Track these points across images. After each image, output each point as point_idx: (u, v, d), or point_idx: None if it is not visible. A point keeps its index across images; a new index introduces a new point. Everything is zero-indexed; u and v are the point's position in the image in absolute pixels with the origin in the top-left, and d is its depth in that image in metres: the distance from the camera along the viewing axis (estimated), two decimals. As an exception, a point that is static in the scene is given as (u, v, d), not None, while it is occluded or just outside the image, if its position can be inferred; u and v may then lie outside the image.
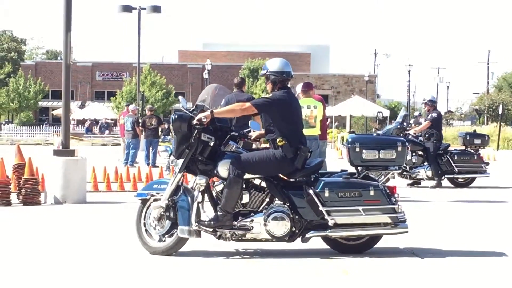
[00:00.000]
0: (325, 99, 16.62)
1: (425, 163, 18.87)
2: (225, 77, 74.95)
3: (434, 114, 19.21)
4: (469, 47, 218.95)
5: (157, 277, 7.71)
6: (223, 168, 8.69)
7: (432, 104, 19.63)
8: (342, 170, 9.30)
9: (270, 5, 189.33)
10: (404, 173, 18.81)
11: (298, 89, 15.51)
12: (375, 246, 9.22)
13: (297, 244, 8.89)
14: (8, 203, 13.97)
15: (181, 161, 8.78)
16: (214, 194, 8.86)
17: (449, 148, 19.36)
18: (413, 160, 18.81)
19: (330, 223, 8.66)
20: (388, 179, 18.01)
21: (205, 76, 69.35)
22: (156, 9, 44.64)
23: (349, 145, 9.12)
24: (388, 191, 8.93)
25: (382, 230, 8.93)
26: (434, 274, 7.98)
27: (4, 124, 71.49)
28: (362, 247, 9.09)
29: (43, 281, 7.52)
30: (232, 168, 8.58)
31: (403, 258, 8.88)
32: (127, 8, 44.59)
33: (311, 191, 8.69)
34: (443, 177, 18.91)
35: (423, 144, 19.04)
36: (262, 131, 9.23)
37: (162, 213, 8.75)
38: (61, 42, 15.24)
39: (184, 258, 8.69)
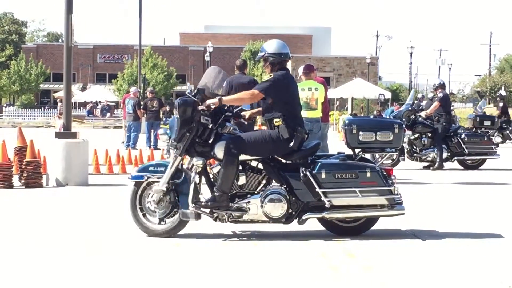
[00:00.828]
0: (326, 82, 16.60)
1: (435, 145, 18.94)
2: (226, 60, 74.90)
3: (441, 94, 19.23)
4: (471, 29, 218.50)
5: (160, 259, 7.73)
6: (220, 150, 8.67)
7: (441, 86, 19.66)
8: (339, 153, 9.31)
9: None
10: (414, 155, 18.93)
11: (300, 71, 15.50)
12: (376, 228, 9.23)
13: (297, 227, 8.92)
14: (10, 186, 14.00)
15: (181, 144, 8.75)
16: (211, 176, 8.86)
17: (459, 130, 19.38)
18: (423, 142, 18.90)
19: (327, 204, 8.69)
20: (393, 162, 18.21)
21: (207, 58, 69.22)
22: (157, -9, 44.49)
23: (346, 127, 9.15)
24: (384, 173, 8.93)
25: (379, 212, 8.97)
26: (435, 255, 8.00)
27: (5, 107, 71.49)
28: (359, 229, 9.13)
29: (42, 264, 7.54)
30: (228, 148, 8.58)
31: (405, 240, 8.90)
32: (128, -10, 44.41)
33: (307, 173, 8.71)
34: (453, 159, 18.99)
35: (433, 126, 19.07)
36: (254, 110, 9.22)
37: (162, 196, 8.72)
38: (63, 24, 15.20)
39: (183, 239, 8.71)
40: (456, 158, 19.10)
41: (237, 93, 8.97)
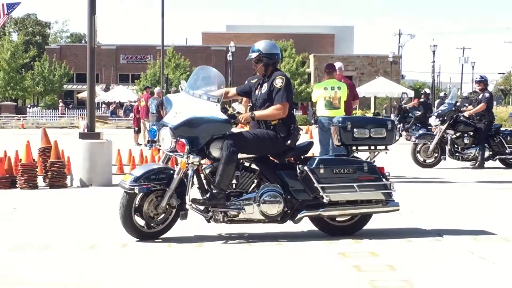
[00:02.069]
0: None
1: (476, 144, 18.91)
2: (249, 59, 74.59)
3: (487, 94, 19.23)
4: (494, 27, 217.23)
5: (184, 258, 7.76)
6: (215, 148, 8.62)
7: (485, 83, 19.64)
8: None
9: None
10: (456, 154, 18.89)
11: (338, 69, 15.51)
12: (401, 227, 9.21)
13: (304, 227, 8.91)
14: (35, 186, 14.09)
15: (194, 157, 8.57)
16: (203, 177, 8.75)
17: (501, 129, 19.35)
18: (465, 141, 18.91)
19: (325, 200, 8.71)
20: (435, 161, 18.30)
21: (229, 58, 69.27)
22: (180, -9, 44.62)
23: (340, 125, 9.15)
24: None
25: (374, 209, 9.04)
26: (458, 253, 7.97)
27: (29, 108, 71.87)
28: (352, 228, 9.13)
29: (63, 262, 7.59)
30: (227, 146, 8.53)
31: (429, 238, 8.89)
32: (151, -9, 44.58)
33: (306, 168, 8.73)
34: (495, 158, 18.94)
35: (475, 125, 19.05)
36: (248, 114, 9.00)
37: (167, 205, 8.60)
38: (86, 25, 15.28)
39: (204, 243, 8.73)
40: (498, 157, 19.10)
41: (267, 109, 8.87)
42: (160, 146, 8.94)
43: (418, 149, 19.12)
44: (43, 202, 12.27)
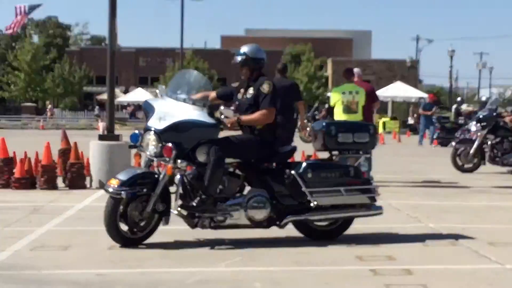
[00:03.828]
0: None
1: None
2: (267, 63, 74.55)
3: None
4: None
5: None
6: (201, 153, 8.54)
7: None
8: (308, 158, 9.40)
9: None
10: (496, 159, 18.87)
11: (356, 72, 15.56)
12: (418, 233, 9.20)
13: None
14: (55, 187, 14.16)
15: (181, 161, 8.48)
16: (186, 182, 8.57)
17: None
18: (505, 146, 18.87)
19: (313, 204, 8.70)
20: (474, 165, 18.35)
21: (247, 61, 69.18)
22: (199, -5, 44.79)
23: (325, 129, 9.17)
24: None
25: (358, 213, 9.06)
26: (474, 259, 7.96)
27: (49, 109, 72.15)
28: (335, 232, 9.12)
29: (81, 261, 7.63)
30: (214, 151, 8.44)
31: (445, 241, 8.87)
32: (171, -6, 44.79)
33: (293, 172, 8.72)
34: None
35: None
36: (235, 118, 8.82)
37: (151, 210, 8.42)
38: (106, 28, 15.33)
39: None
40: None
41: (253, 114, 8.80)
42: (142, 151, 8.76)
43: (458, 153, 19.17)
44: (63, 203, 12.32)
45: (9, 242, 8.64)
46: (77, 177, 14.35)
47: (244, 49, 9.18)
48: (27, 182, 14.14)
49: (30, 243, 8.67)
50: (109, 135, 14.98)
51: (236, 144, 8.71)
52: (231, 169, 8.78)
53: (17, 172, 14.22)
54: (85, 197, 13.01)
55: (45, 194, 13.35)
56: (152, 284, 6.79)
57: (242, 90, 9.16)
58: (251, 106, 8.89)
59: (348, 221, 9.13)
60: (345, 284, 6.83)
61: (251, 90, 9.00)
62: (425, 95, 58.64)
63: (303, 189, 8.69)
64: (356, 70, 15.94)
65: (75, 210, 11.56)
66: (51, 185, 14.13)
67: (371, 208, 9.08)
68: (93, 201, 12.50)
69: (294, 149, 9.23)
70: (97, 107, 69.69)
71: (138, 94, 72.23)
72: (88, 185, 14.51)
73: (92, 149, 14.69)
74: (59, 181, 14.50)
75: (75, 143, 14.64)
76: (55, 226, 10.03)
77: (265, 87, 8.87)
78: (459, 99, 44.80)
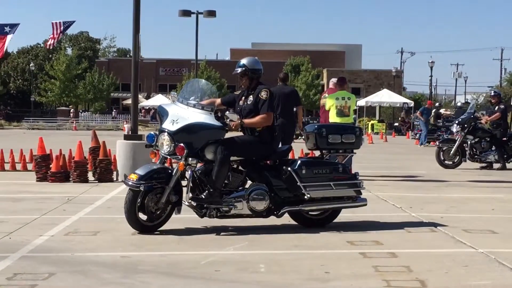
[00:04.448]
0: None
1: (492, 148, 19.08)
2: (271, 73, 74.57)
3: (502, 106, 19.55)
4: (485, 46, 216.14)
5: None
6: (209, 151, 8.53)
7: (499, 97, 19.80)
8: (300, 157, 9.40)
9: (309, 9, 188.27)
10: (475, 157, 19.07)
11: (330, 83, 15.58)
12: (398, 221, 9.14)
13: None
14: (86, 180, 14.17)
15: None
16: (196, 176, 8.55)
17: None
18: (483, 146, 19.10)
19: (306, 197, 8.70)
20: (456, 163, 18.45)
21: (254, 71, 69.02)
22: (212, 13, 44.80)
23: (316, 131, 9.16)
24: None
25: (346, 204, 9.06)
26: (442, 241, 7.94)
27: (81, 112, 72.30)
28: (325, 220, 9.11)
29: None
30: (221, 150, 8.45)
31: (425, 228, 8.85)
32: (187, 13, 44.83)
33: (289, 169, 8.71)
34: (509, 160, 19.11)
35: (491, 132, 19.17)
36: (238, 121, 8.73)
37: (165, 200, 8.40)
38: (131, 41, 15.36)
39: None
40: (511, 159, 19.21)
41: (255, 118, 8.79)
42: (157, 150, 8.74)
43: (441, 151, 19.26)
44: (93, 194, 12.32)
45: (46, 228, 8.65)
46: (105, 172, 14.36)
47: (244, 61, 9.14)
48: (62, 176, 14.16)
49: (64, 229, 8.68)
50: (133, 135, 14.99)
51: (240, 144, 8.71)
52: (235, 166, 8.78)
53: (53, 167, 14.24)
54: (112, 189, 13.00)
55: (77, 187, 13.36)
56: (171, 265, 6.78)
57: (243, 97, 9.14)
58: (251, 111, 8.87)
59: (336, 211, 9.13)
60: (338, 265, 6.80)
61: (251, 97, 8.97)
62: (408, 101, 58.65)
63: (298, 183, 8.69)
64: (333, 79, 15.91)
65: (103, 200, 11.57)
66: (83, 179, 14.13)
67: (356, 200, 9.08)
68: (119, 192, 12.49)
69: (290, 148, 9.23)
70: (114, 110, 69.69)
71: (158, 100, 72.25)
72: (115, 179, 14.51)
73: (118, 147, 14.69)
74: (90, 175, 14.52)
75: (104, 142, 14.64)
76: (86, 214, 10.03)
77: (263, 94, 8.86)
78: (437, 104, 44.67)
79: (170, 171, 8.56)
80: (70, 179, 14.19)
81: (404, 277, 6.31)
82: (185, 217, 8.84)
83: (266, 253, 7.36)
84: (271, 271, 6.58)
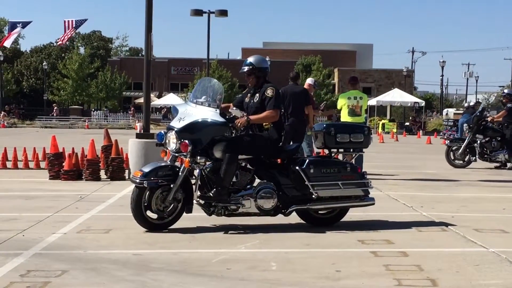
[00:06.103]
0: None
1: (503, 148, 19.00)
2: (282, 72, 74.51)
3: (510, 104, 19.30)
4: (496, 45, 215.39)
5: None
6: (218, 150, 8.55)
7: (510, 97, 19.72)
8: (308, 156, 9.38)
9: (321, 9, 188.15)
10: (485, 156, 19.02)
11: (310, 81, 15.36)
12: (412, 220, 9.14)
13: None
14: (98, 178, 14.22)
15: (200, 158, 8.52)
16: (204, 175, 8.56)
17: None
18: (493, 145, 19.02)
19: (314, 195, 8.68)
20: (465, 162, 18.43)
21: (265, 70, 68.96)
22: (223, 12, 44.76)
23: (325, 130, 9.13)
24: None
25: (353, 203, 9.03)
26: (458, 242, 7.91)
27: (93, 111, 72.46)
28: (333, 219, 9.10)
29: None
30: (229, 148, 8.48)
31: (437, 227, 8.82)
32: (198, 12, 44.78)
33: (298, 168, 8.69)
34: None
35: (502, 131, 19.08)
36: (245, 118, 8.80)
37: (172, 197, 8.41)
38: (143, 41, 15.36)
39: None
40: None
41: (261, 114, 8.80)
42: (167, 148, 8.77)
43: (451, 151, 19.24)
44: (105, 192, 12.36)
45: (59, 226, 8.69)
46: (117, 170, 14.40)
47: (251, 59, 9.17)
48: (74, 174, 14.21)
49: (77, 227, 8.72)
50: (145, 134, 15.01)
51: (248, 143, 8.71)
52: (243, 164, 8.78)
53: (66, 165, 14.29)
54: (124, 187, 13.03)
55: (90, 185, 13.40)
56: (183, 263, 6.80)
57: (249, 96, 9.16)
58: (258, 109, 8.90)
59: (344, 210, 9.12)
60: (349, 264, 6.80)
61: (257, 95, 9.00)
62: (419, 100, 58.51)
63: (306, 182, 8.68)
64: (310, 80, 15.68)
65: (115, 198, 11.60)
66: (95, 177, 14.18)
67: (364, 199, 9.05)
68: (131, 191, 12.44)
69: (298, 146, 9.23)
70: (129, 112, 69.89)
71: (170, 99, 72.38)
72: (127, 177, 14.53)
73: (130, 146, 14.72)
74: (102, 173, 14.56)
75: (116, 141, 14.68)
76: (98, 212, 10.07)
77: (269, 92, 8.88)
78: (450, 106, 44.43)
79: (177, 169, 8.55)
80: (83, 177, 14.24)
81: (415, 276, 6.31)
82: (197, 215, 8.85)
83: (277, 252, 7.37)
84: (282, 269, 6.59)
